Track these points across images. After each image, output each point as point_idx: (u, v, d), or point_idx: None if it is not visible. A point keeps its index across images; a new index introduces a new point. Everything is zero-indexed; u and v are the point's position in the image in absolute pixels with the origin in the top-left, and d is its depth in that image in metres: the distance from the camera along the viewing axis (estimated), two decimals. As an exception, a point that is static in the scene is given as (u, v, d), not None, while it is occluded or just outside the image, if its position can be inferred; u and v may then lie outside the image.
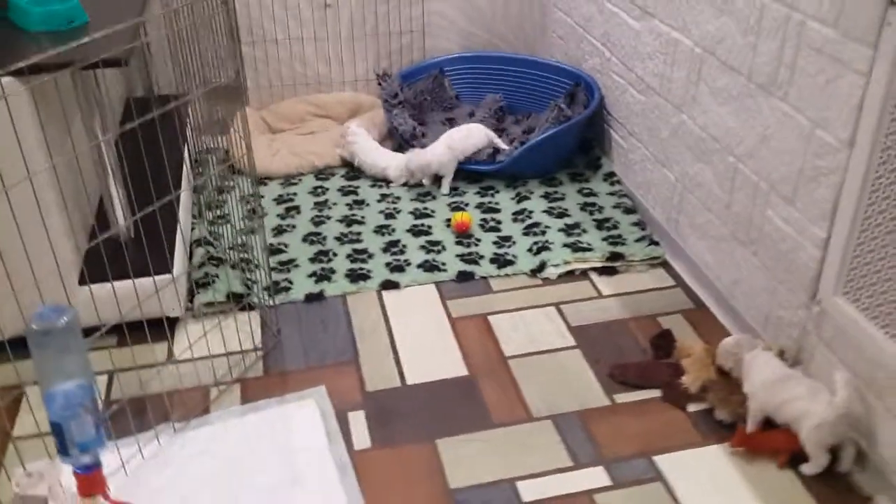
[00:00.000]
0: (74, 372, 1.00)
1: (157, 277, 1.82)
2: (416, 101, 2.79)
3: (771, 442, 1.58)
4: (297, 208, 2.42)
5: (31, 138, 1.63)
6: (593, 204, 2.41)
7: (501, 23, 3.00)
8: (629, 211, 2.36)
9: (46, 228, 1.59)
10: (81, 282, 1.83)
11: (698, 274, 2.09)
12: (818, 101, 1.57)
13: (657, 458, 1.59)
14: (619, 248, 2.19)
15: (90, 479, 1.04)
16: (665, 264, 2.19)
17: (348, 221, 2.35)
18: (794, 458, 1.54)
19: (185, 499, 1.49)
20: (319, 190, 2.52)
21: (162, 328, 1.86)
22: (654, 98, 2.24)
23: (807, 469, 1.52)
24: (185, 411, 1.70)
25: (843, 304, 1.58)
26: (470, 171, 2.54)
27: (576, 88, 2.68)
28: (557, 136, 2.47)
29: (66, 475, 1.24)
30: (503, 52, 2.95)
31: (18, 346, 1.53)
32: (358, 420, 1.69)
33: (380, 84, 2.73)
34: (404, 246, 2.24)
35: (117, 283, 1.78)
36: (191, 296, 2.00)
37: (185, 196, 2.23)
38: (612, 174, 2.53)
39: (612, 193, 2.45)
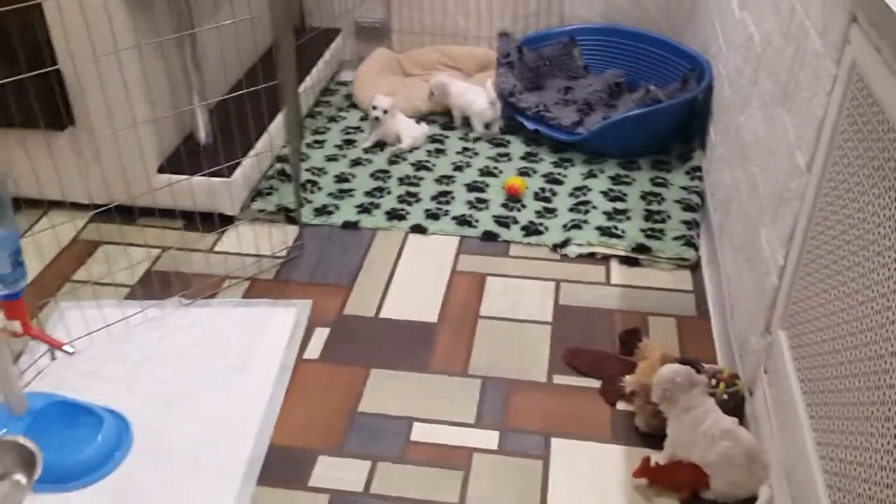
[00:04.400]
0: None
1: (219, 179, 2.16)
2: (535, 65, 2.83)
3: (675, 476, 1.51)
4: (382, 146, 2.62)
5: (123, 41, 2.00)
6: (657, 195, 2.33)
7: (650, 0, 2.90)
8: (689, 209, 2.26)
9: (134, 117, 1.97)
10: (160, 171, 2.21)
11: (719, 285, 1.98)
12: (801, 118, 1.44)
13: (555, 440, 1.62)
14: (650, 242, 2.13)
15: (10, 306, 1.37)
16: (695, 268, 2.09)
17: (419, 166, 2.51)
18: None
19: (151, 358, 1.82)
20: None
21: (221, 222, 2.21)
22: (732, 93, 2.11)
23: None
24: (196, 292, 2.02)
25: (781, 339, 1.46)
26: (554, 140, 2.57)
27: (690, 74, 2.57)
28: (641, 118, 2.41)
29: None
30: (634, 28, 2.87)
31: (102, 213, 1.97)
32: (321, 335, 1.89)
33: (499, 41, 2.82)
34: (452, 197, 2.36)
35: (186, 177, 2.15)
36: (252, 201, 2.32)
37: (283, 118, 2.52)
38: (697, 169, 2.42)
39: (684, 188, 2.35)
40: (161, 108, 2.16)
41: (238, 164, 2.22)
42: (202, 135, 2.27)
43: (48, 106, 2.02)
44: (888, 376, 0.97)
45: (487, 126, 2.67)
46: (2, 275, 1.33)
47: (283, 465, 1.58)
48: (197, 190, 2.18)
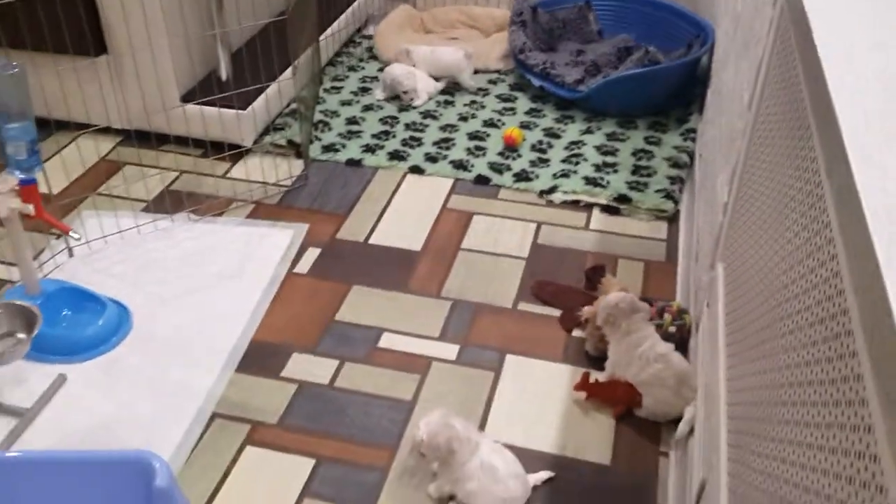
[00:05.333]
0: (19, 116, 1.49)
1: (234, 111, 2.33)
2: (549, 27, 2.94)
3: (611, 392, 1.64)
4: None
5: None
6: (648, 152, 2.43)
7: (665, -34, 2.97)
8: (677, 165, 2.36)
9: (154, 53, 2.15)
10: (183, 100, 2.38)
11: (690, 235, 2.08)
12: (749, 62, 1.54)
13: (509, 357, 1.76)
14: (632, 193, 2.23)
15: (27, 190, 1.55)
16: (672, 221, 2.19)
17: (426, 114, 2.65)
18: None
19: (156, 261, 2.01)
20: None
21: (234, 153, 2.39)
22: (722, 54, 2.20)
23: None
24: (205, 210, 2.20)
25: (719, 271, 1.57)
26: (558, 98, 2.68)
27: (695, 40, 2.64)
28: (639, 77, 2.50)
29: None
30: (650, -6, 2.95)
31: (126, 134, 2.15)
32: (312, 254, 2.06)
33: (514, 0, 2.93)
34: (453, 144, 2.50)
35: (206, 108, 2.33)
36: (264, 135, 2.49)
37: (300, 64, 2.68)
38: (692, 131, 2.50)
39: (676, 147, 2.44)
40: (185, 46, 2.34)
41: (253, 99, 2.39)
42: (223, 72, 2.44)
43: (80, 32, 2.21)
44: (788, 305, 1.06)
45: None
46: (19, 161, 1.52)
47: (260, 356, 1.75)
48: (213, 120, 2.35)
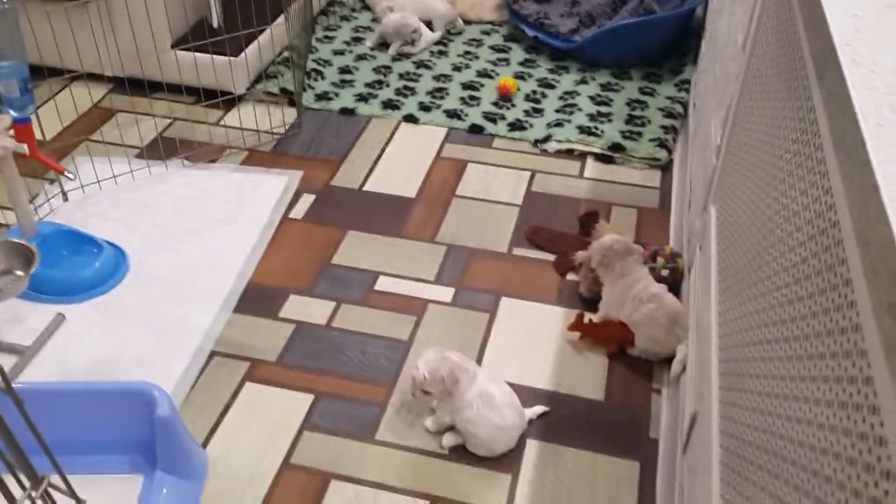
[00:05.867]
0: (10, 54, 1.48)
1: (226, 58, 2.32)
2: (543, -23, 2.92)
3: (605, 331, 1.67)
4: (388, 45, 2.75)
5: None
6: (642, 102, 2.44)
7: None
8: (670, 116, 2.37)
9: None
10: (174, 46, 2.36)
11: (684, 183, 2.10)
12: (745, 4, 1.54)
13: (504, 299, 1.78)
14: (626, 142, 2.24)
15: (20, 129, 1.54)
16: (666, 170, 2.21)
17: (420, 64, 2.64)
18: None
19: (151, 205, 2.01)
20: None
21: (227, 99, 2.37)
22: (717, 2, 2.19)
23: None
24: (198, 156, 2.20)
25: (712, 213, 1.59)
26: (552, 49, 2.67)
27: (689, -9, 2.64)
28: (634, 27, 2.50)
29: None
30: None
31: (118, 82, 2.13)
32: (307, 200, 2.06)
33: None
34: (447, 93, 2.49)
35: (198, 55, 2.31)
36: (256, 83, 2.47)
37: (292, 12, 2.65)
38: (686, 82, 2.51)
39: (670, 98, 2.45)
40: (177, -13, 2.31)
41: (246, 46, 2.38)
42: (215, 19, 2.42)
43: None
44: (781, 244, 1.08)
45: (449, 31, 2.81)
46: (12, 99, 1.51)
47: (257, 298, 1.76)
48: (206, 67, 2.33)
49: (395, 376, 1.60)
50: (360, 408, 1.53)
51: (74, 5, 2.25)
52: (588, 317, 1.68)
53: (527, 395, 1.53)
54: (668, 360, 1.60)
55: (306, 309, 1.74)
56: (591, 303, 1.75)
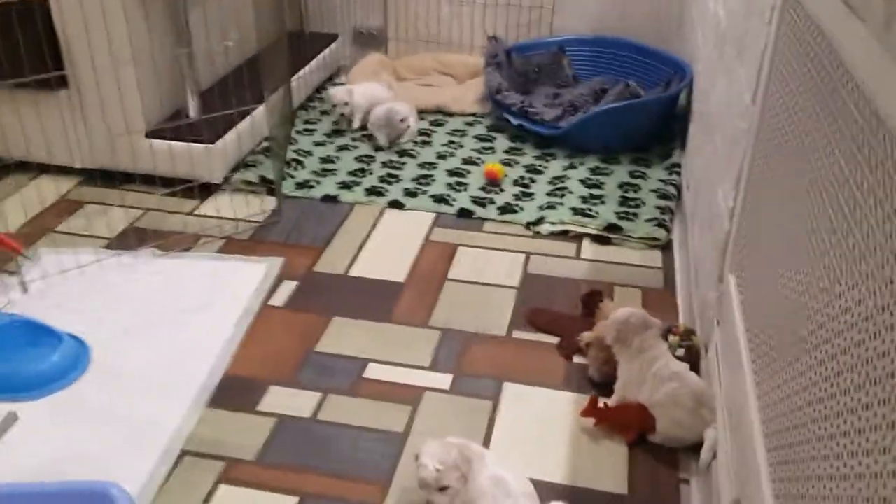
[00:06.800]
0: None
1: (202, 145, 2.22)
2: (524, 70, 2.91)
3: (622, 416, 1.51)
4: (371, 136, 2.69)
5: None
6: (634, 185, 2.37)
7: (636, 10, 3.00)
8: (665, 197, 2.30)
9: (120, 84, 2.05)
10: (147, 136, 2.27)
11: (687, 262, 2.00)
12: (749, 59, 1.49)
13: (507, 385, 1.62)
14: (622, 223, 2.16)
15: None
16: (666, 249, 2.11)
17: (403, 153, 2.57)
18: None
19: (119, 296, 1.85)
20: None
21: (202, 189, 2.27)
22: (704, 81, 2.17)
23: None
24: (171, 245, 2.06)
25: (731, 283, 1.47)
26: (538, 136, 2.63)
27: (672, 77, 2.63)
28: (620, 111, 2.47)
29: None
30: (621, 37, 2.96)
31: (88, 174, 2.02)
32: (288, 287, 1.92)
33: (487, 44, 2.91)
34: (433, 179, 2.41)
35: (173, 143, 2.22)
36: (234, 172, 2.37)
37: (271, 103, 2.59)
38: (675, 165, 2.46)
39: (662, 181, 2.39)
40: (152, 78, 2.24)
41: (223, 133, 2.29)
42: (191, 109, 2.34)
43: (42, 66, 2.09)
44: (823, 312, 0.96)
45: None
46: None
47: (234, 391, 1.59)
48: (182, 156, 2.23)
49: (391, 473, 1.41)
50: (353, 510, 1.34)
51: (45, 94, 2.17)
52: (602, 401, 1.52)
53: (542, 490, 1.35)
54: (694, 447, 1.44)
55: (289, 401, 1.57)
56: (603, 386, 1.60)
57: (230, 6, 2.55)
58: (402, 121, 2.60)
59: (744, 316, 1.38)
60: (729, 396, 1.39)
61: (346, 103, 2.66)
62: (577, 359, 1.70)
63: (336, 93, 2.68)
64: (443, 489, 1.22)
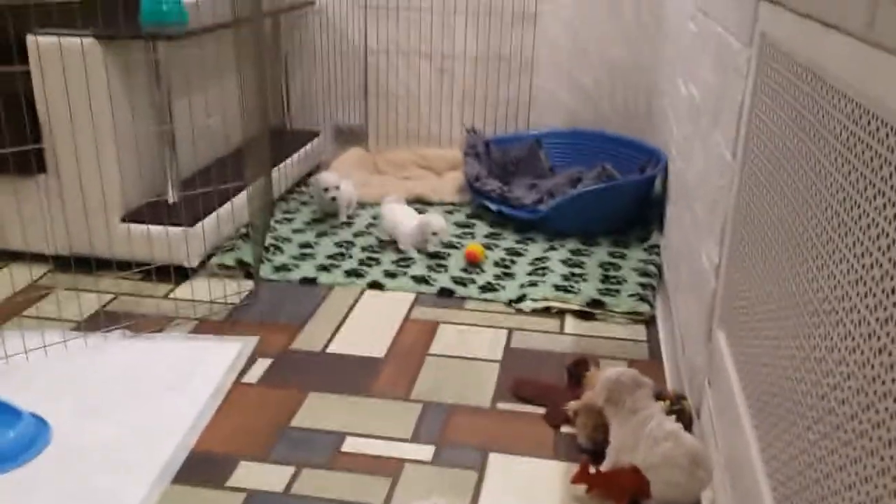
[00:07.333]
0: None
1: (179, 228, 2.20)
2: (502, 162, 2.96)
3: (615, 481, 1.43)
4: (350, 224, 2.68)
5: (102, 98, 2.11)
6: (615, 264, 2.36)
7: (608, 105, 3.10)
8: (646, 274, 2.28)
9: (101, 169, 2.04)
10: (122, 220, 2.24)
11: (672, 334, 1.96)
12: (727, 118, 1.51)
13: (492, 455, 1.54)
14: (605, 298, 2.12)
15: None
16: (650, 323, 2.07)
17: (381, 240, 2.56)
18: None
19: (85, 376, 1.77)
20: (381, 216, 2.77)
21: (178, 274, 2.22)
22: (681, 161, 2.20)
23: None
24: (142, 326, 1.99)
25: (720, 339, 1.43)
26: (517, 222, 2.63)
27: (646, 163, 2.68)
28: (599, 193, 2.49)
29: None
30: (593, 129, 3.04)
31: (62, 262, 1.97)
32: (263, 364, 1.85)
33: (465, 135, 2.97)
34: (413, 262, 2.39)
35: (151, 227, 2.20)
36: (210, 257, 2.34)
37: (252, 191, 2.60)
38: (654, 246, 2.46)
39: (642, 260, 2.38)
40: (133, 161, 2.24)
41: (203, 217, 2.27)
42: (171, 194, 2.33)
43: (20, 153, 2.09)
44: (823, 360, 0.92)
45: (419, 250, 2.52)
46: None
47: (202, 467, 1.48)
48: (159, 240, 2.20)
49: (370, 547, 1.31)
50: (328, 586, 1.23)
51: (24, 180, 2.15)
52: (593, 467, 1.44)
53: (532, 559, 1.25)
54: (691, 512, 1.36)
55: (260, 476, 1.46)
56: (593, 454, 1.52)
57: (215, 98, 2.60)
58: (434, 234, 2.44)
59: (737, 368, 1.33)
60: (728, 454, 1.32)
61: (338, 187, 2.65)
62: (565, 428, 1.63)
63: (327, 177, 2.67)
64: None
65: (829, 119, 0.88)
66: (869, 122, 0.75)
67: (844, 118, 0.82)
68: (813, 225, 0.91)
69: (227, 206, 2.41)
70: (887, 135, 0.70)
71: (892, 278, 0.66)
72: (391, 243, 2.51)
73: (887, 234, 0.68)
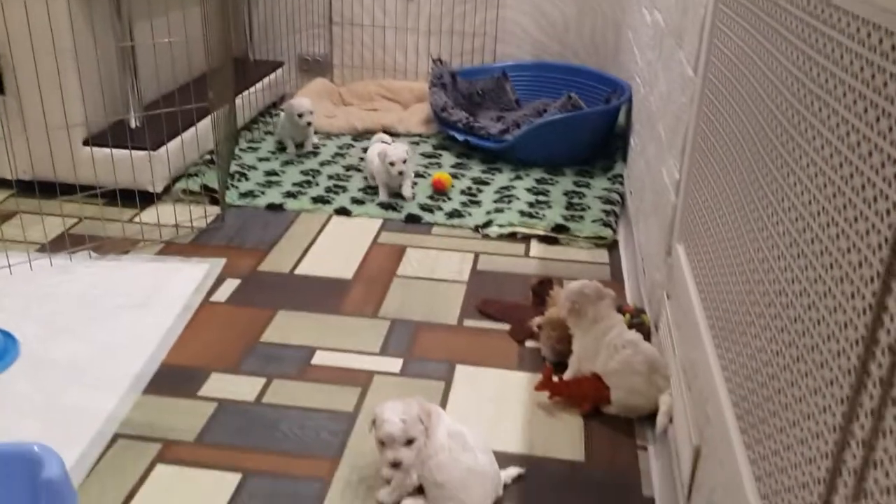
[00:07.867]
0: None
1: (143, 153, 2.17)
2: (468, 92, 2.95)
3: (577, 388, 1.48)
4: (316, 154, 2.67)
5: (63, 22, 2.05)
6: (579, 192, 2.40)
7: (575, 37, 3.10)
8: (609, 202, 2.32)
9: (62, 90, 2.00)
10: (86, 144, 2.21)
11: (633, 257, 2.01)
12: (689, 36, 1.53)
13: (459, 366, 1.58)
14: (569, 223, 2.16)
15: None
16: (612, 248, 2.12)
17: (349, 167, 2.56)
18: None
19: (52, 295, 1.76)
20: (346, 146, 2.77)
21: (143, 199, 2.21)
22: (644, 87, 2.23)
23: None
24: (108, 248, 1.98)
25: (680, 253, 1.48)
26: (483, 151, 2.65)
27: (612, 94, 2.70)
28: (564, 122, 2.51)
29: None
30: (558, 62, 3.04)
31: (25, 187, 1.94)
32: (231, 284, 1.86)
33: (432, 66, 2.95)
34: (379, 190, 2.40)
35: (115, 150, 2.16)
36: (175, 182, 2.32)
37: (216, 117, 2.56)
38: (618, 176, 2.50)
39: (605, 189, 2.42)
40: (95, 83, 2.19)
41: (167, 141, 2.24)
42: (132, 119, 2.30)
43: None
44: (773, 263, 0.95)
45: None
46: None
47: (173, 379, 1.50)
48: (120, 165, 2.17)
49: (341, 449, 1.34)
50: (300, 484, 1.26)
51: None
52: (556, 376, 1.49)
53: (498, 459, 1.29)
54: (649, 417, 1.42)
55: (231, 387, 1.49)
56: (556, 366, 1.57)
57: (177, 23, 2.53)
58: (392, 164, 2.32)
59: (695, 280, 1.38)
60: (684, 361, 1.37)
61: (311, 112, 2.61)
62: (529, 343, 1.67)
63: (302, 102, 2.62)
64: (409, 442, 1.16)
65: (787, 17, 0.91)
66: (831, 15, 0.78)
67: (802, 13, 0.85)
68: (772, 128, 0.94)
69: (192, 130, 2.39)
70: (848, 24, 0.73)
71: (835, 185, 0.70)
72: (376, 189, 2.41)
73: (857, 130, 0.71)
